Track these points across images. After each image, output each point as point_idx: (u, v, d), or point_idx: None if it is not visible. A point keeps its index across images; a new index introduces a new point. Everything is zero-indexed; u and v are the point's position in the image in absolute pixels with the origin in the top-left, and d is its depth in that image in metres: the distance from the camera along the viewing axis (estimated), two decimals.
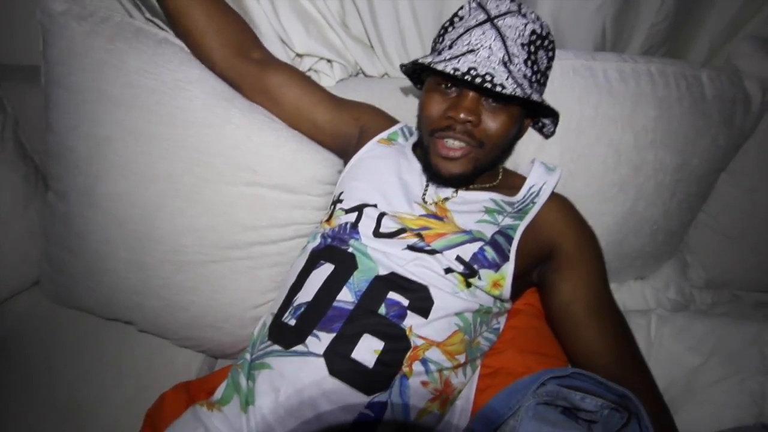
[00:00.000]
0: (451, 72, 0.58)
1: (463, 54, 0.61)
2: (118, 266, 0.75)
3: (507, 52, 0.62)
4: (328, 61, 0.88)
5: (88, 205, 0.74)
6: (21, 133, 0.87)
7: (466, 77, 0.58)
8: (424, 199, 0.69)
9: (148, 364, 0.78)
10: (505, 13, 0.64)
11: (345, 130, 0.77)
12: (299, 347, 0.57)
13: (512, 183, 0.73)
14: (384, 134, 0.76)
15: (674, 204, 0.83)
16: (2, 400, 0.72)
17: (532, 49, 0.65)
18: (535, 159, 0.76)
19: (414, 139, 0.79)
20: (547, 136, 0.78)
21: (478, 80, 0.58)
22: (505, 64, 0.61)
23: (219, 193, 0.73)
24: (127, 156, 0.72)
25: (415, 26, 0.85)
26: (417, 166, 0.72)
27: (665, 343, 0.78)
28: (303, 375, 0.55)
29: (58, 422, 0.70)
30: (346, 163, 0.76)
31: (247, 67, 0.73)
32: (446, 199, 0.69)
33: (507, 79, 0.59)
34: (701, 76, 0.81)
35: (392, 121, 0.80)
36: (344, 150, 0.77)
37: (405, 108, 0.85)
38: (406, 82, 0.91)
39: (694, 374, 0.74)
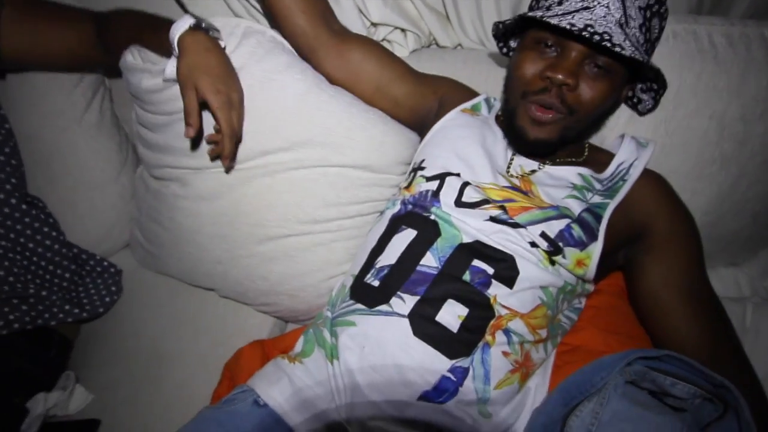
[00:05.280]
0: (567, 27, 0.55)
1: (577, 10, 0.57)
2: (204, 239, 0.79)
3: (625, 13, 0.58)
4: (402, 30, 0.86)
5: (180, 185, 0.77)
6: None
7: (583, 33, 0.54)
8: (508, 171, 0.67)
9: (223, 323, 0.83)
10: None
11: (424, 103, 0.76)
12: (383, 307, 0.58)
13: (600, 159, 0.69)
14: (467, 104, 0.74)
15: None
16: (97, 347, 0.80)
17: (648, 14, 0.60)
18: (624, 134, 0.71)
19: (496, 110, 0.76)
20: (641, 113, 0.73)
21: (596, 38, 0.54)
22: (621, 26, 0.57)
23: (306, 171, 0.74)
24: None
25: None
26: (501, 137, 0.70)
27: (763, 333, 0.73)
28: (387, 334, 0.56)
29: (143, 368, 0.76)
30: (422, 136, 0.75)
31: (330, 37, 0.73)
32: (532, 172, 0.66)
33: (624, 40, 0.55)
34: None
35: (472, 93, 0.78)
36: (422, 124, 0.76)
37: (479, 79, 0.82)
38: (480, 54, 0.88)
39: None
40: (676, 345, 0.60)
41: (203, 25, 0.66)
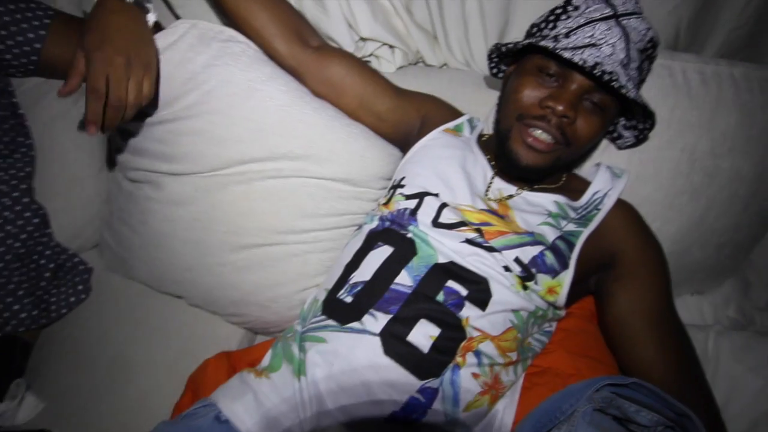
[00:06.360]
0: (580, 63, 0.56)
1: (585, 46, 0.59)
2: (175, 245, 0.77)
3: (628, 54, 0.60)
4: (391, 47, 0.87)
5: (153, 187, 0.75)
6: None
7: (594, 71, 0.55)
8: (487, 194, 0.67)
9: (191, 332, 0.80)
10: (631, 13, 0.62)
11: (407, 119, 0.76)
12: (355, 324, 0.57)
13: (575, 186, 0.70)
14: (450, 124, 0.75)
15: (746, 217, 0.79)
16: (58, 351, 0.76)
17: (643, 56, 0.63)
18: (600, 163, 0.73)
19: (479, 131, 0.77)
20: (619, 148, 0.75)
21: (606, 78, 0.55)
22: (623, 66, 0.59)
23: (284, 181, 0.73)
24: (198, 154, 0.72)
25: (480, 16, 0.83)
26: (482, 159, 0.71)
27: (723, 361, 0.75)
28: (357, 351, 0.55)
29: (103, 376, 0.73)
30: (405, 152, 0.75)
31: (308, 55, 0.74)
32: (510, 196, 0.67)
33: (627, 81, 0.57)
34: None
35: (456, 113, 0.78)
36: (405, 140, 0.77)
37: (463, 99, 0.83)
38: (466, 74, 0.89)
39: (754, 398, 0.70)
40: (643, 370, 0.62)
41: None
